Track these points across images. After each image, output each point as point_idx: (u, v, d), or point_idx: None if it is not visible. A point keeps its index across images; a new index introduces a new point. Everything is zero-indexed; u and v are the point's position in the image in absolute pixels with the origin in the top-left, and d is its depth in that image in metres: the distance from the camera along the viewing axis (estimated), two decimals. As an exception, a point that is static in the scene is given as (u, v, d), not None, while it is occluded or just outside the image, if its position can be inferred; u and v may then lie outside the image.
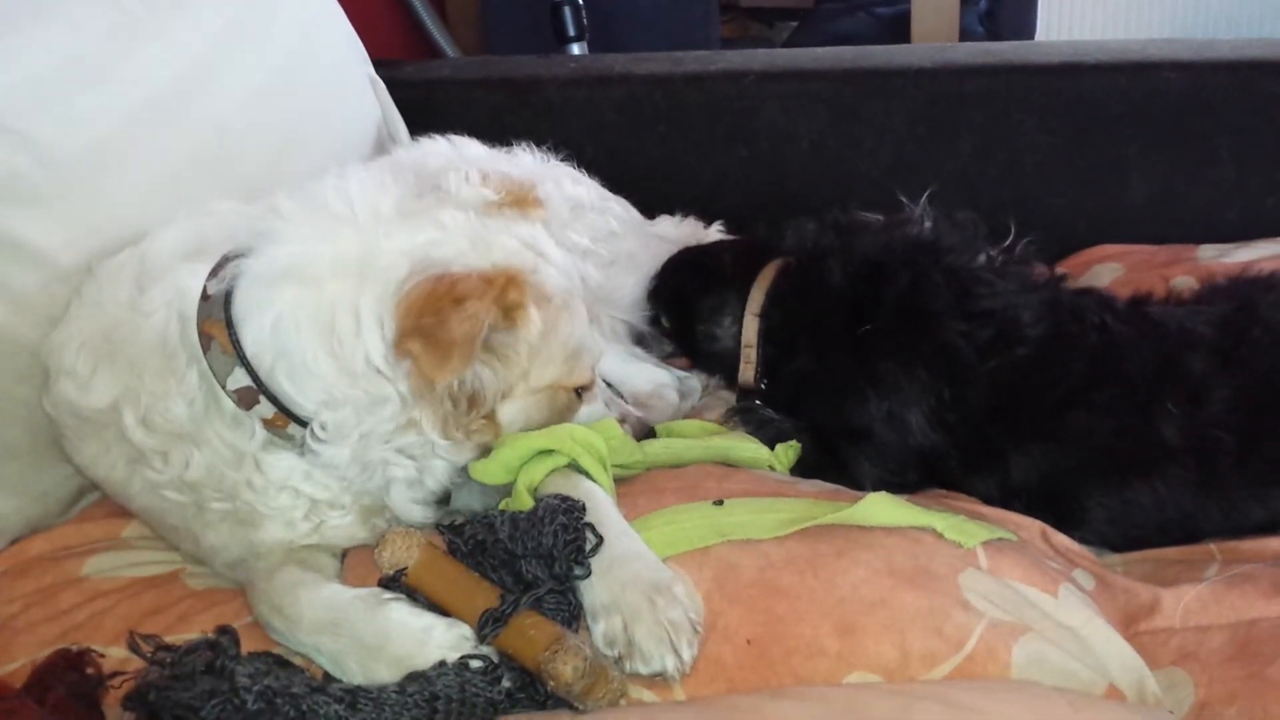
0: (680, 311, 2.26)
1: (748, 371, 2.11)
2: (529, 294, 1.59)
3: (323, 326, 1.53)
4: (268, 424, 1.59)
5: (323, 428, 1.56)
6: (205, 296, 1.59)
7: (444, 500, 1.74)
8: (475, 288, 1.50)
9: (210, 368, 1.58)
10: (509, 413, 1.66)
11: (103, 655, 1.52)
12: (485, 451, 1.67)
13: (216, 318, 1.57)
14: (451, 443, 1.62)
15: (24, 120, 1.96)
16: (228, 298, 1.56)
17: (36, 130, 1.96)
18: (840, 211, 2.16)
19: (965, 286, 1.93)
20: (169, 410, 1.62)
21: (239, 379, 1.56)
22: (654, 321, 2.36)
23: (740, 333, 2.11)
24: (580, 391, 1.76)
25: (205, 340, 1.58)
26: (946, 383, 1.88)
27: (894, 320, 1.93)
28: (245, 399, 1.57)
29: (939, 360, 1.89)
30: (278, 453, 1.63)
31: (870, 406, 1.92)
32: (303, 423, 1.58)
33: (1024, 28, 4.43)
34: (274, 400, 1.57)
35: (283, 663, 1.45)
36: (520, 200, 1.74)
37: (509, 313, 1.56)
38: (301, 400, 1.56)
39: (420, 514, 1.68)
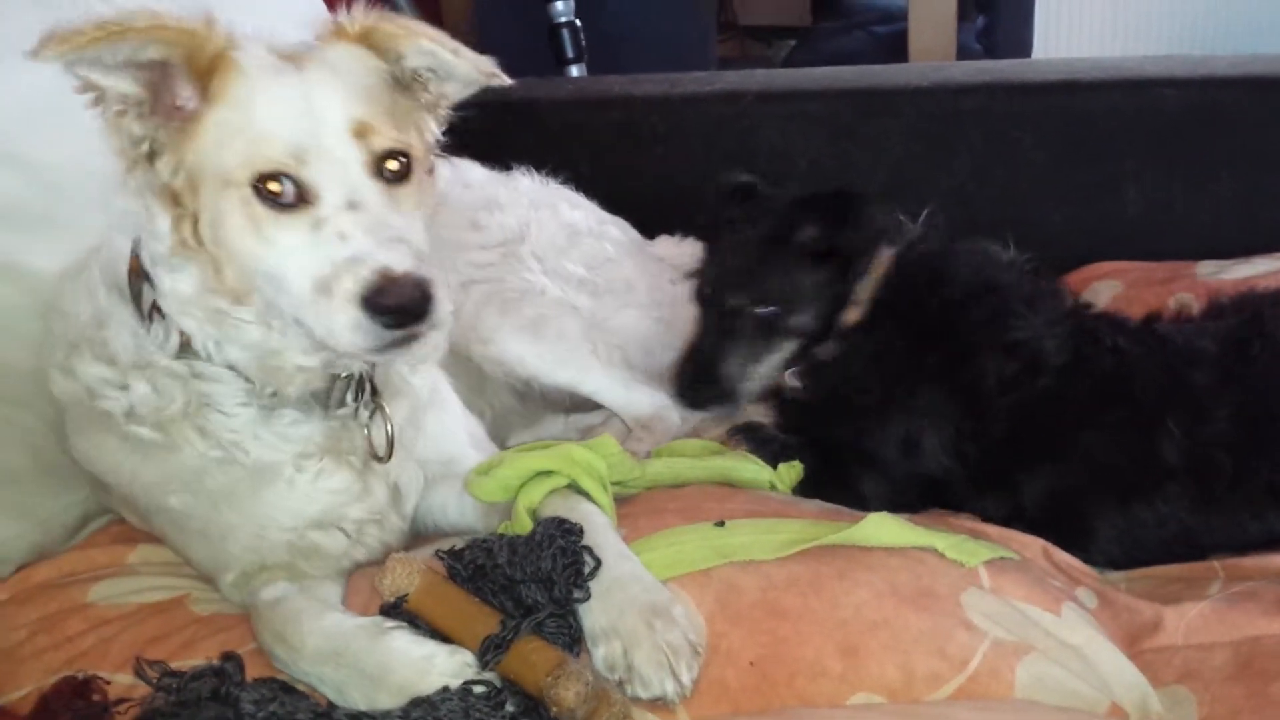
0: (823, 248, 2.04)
1: (827, 349, 2.04)
2: (233, 66, 1.55)
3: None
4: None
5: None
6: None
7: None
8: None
9: (132, 293, 1.68)
10: (207, 214, 1.56)
11: (108, 682, 1.53)
12: (217, 271, 1.59)
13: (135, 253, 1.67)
14: (181, 252, 1.59)
15: (23, 145, 1.99)
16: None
17: (37, 155, 1.98)
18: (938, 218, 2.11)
19: (1004, 319, 1.93)
20: (120, 339, 1.68)
21: (148, 294, 1.66)
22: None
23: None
24: (268, 194, 1.52)
25: (133, 279, 1.68)
26: (968, 414, 1.90)
27: (940, 348, 1.93)
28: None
29: (964, 393, 1.90)
30: (204, 366, 1.67)
31: (889, 428, 1.93)
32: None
33: (1021, 45, 4.45)
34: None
35: (288, 689, 1.45)
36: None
37: (209, 66, 1.53)
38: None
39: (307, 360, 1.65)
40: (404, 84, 1.69)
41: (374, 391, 1.75)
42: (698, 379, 2.05)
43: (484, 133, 2.85)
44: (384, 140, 1.56)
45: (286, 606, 1.61)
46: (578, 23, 3.92)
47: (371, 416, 1.75)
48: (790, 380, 2.06)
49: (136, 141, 1.56)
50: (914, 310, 1.97)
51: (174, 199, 1.57)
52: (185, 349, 1.66)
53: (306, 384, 1.68)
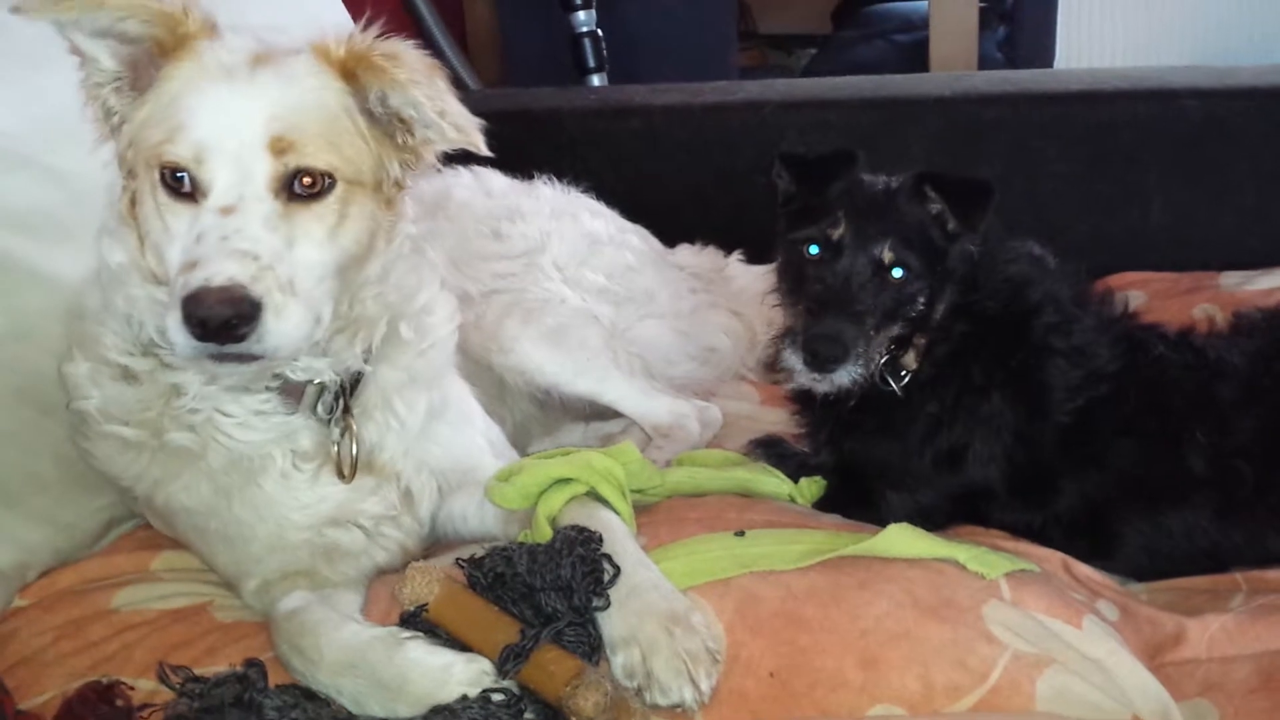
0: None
1: (913, 353, 1.92)
2: (192, 53, 1.60)
3: None
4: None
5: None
6: None
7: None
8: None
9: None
10: (137, 187, 1.62)
11: (132, 687, 1.53)
12: (141, 246, 1.64)
13: None
14: (121, 223, 1.66)
15: (54, 155, 2.01)
16: None
17: (66, 165, 2.01)
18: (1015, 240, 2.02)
19: (1068, 325, 1.91)
20: (110, 334, 1.72)
21: None
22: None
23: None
24: (172, 180, 1.56)
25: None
26: (1029, 420, 1.87)
27: (1011, 354, 1.89)
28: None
29: (1028, 399, 1.87)
30: (169, 355, 1.68)
31: (938, 439, 1.89)
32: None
33: (1043, 54, 4.43)
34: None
35: (310, 695, 1.46)
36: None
37: (174, 48, 1.60)
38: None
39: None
40: (379, 118, 1.67)
41: (346, 409, 1.75)
42: (828, 336, 1.78)
43: (507, 142, 2.88)
44: (302, 158, 1.56)
45: (304, 617, 1.61)
46: (599, 32, 3.93)
47: (342, 434, 1.75)
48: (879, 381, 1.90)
49: (109, 113, 1.64)
50: (987, 314, 1.91)
51: (130, 171, 1.64)
52: (153, 342, 1.69)
53: (250, 375, 1.65)
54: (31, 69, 2.04)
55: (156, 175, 1.56)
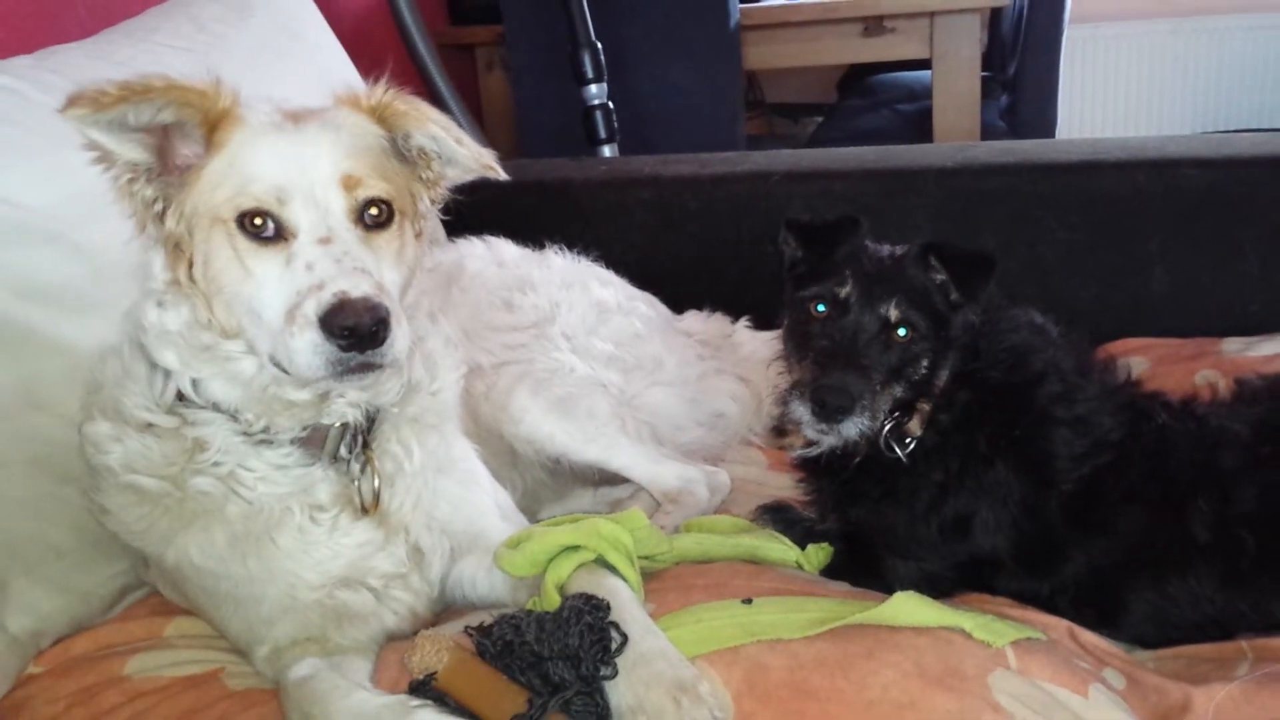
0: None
1: (918, 420, 1.94)
2: (238, 120, 1.68)
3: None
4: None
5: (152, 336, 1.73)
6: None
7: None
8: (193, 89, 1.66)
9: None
10: (200, 252, 1.67)
11: (142, 756, 1.54)
12: (209, 308, 1.69)
13: None
14: (173, 291, 1.70)
15: (79, 231, 2.06)
16: None
17: (90, 241, 2.05)
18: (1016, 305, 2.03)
19: (1071, 395, 1.92)
20: (131, 396, 1.77)
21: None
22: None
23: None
24: (251, 228, 1.64)
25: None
26: (1034, 489, 1.88)
27: (1013, 423, 1.90)
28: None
29: (1032, 468, 1.88)
30: (193, 413, 1.75)
31: (944, 508, 1.89)
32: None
33: (1045, 122, 4.50)
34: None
35: (318, 764, 1.47)
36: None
37: (215, 122, 1.67)
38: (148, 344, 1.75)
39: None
40: (405, 157, 1.82)
41: (365, 445, 1.81)
42: (835, 387, 1.79)
43: (520, 211, 2.95)
44: (369, 190, 1.69)
45: (314, 685, 1.63)
46: (611, 105, 4.01)
47: (363, 470, 1.80)
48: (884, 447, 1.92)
49: (149, 203, 1.69)
50: (990, 382, 1.92)
51: (176, 246, 1.70)
52: (178, 400, 1.74)
53: (299, 419, 1.75)
54: (59, 145, 2.09)
55: (234, 225, 1.64)
